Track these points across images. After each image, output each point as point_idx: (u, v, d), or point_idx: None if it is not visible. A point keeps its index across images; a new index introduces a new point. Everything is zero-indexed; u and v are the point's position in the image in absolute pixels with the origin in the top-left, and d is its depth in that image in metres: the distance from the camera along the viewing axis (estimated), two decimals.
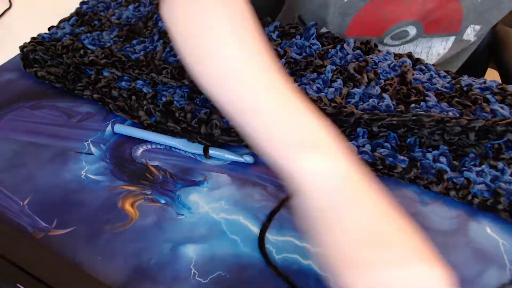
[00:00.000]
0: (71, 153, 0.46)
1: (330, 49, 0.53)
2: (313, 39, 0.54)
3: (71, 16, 0.63)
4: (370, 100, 0.46)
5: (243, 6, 0.34)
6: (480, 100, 0.45)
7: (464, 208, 0.40)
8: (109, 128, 0.48)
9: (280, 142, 0.30)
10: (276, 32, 0.57)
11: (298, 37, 0.55)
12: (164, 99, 0.48)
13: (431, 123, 0.42)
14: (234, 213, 0.40)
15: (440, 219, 0.39)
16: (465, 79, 0.50)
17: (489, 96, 0.46)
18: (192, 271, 0.36)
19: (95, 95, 0.51)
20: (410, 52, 0.54)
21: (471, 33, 0.65)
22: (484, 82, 0.49)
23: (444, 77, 0.51)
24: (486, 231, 0.38)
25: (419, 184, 0.41)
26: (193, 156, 0.45)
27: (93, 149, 0.46)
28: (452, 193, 0.40)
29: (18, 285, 0.34)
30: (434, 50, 0.66)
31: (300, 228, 0.31)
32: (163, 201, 0.41)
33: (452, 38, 0.65)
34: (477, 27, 0.64)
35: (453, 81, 0.49)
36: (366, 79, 0.49)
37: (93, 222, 0.39)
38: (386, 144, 0.44)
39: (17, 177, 0.43)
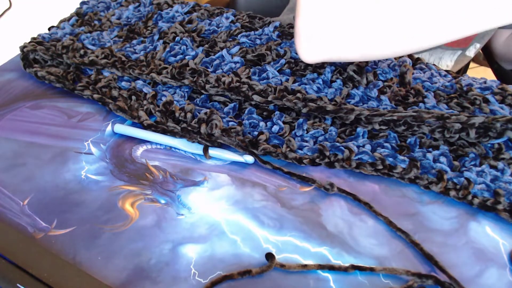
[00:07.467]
0: (71, 153, 0.46)
1: None
2: None
3: (71, 16, 0.63)
4: (370, 102, 0.46)
5: None
6: (479, 101, 0.45)
7: (464, 208, 0.40)
8: (109, 128, 0.48)
9: None
10: (276, 32, 0.57)
11: None
12: (164, 99, 0.48)
13: (431, 119, 0.42)
14: (234, 213, 0.40)
15: (440, 219, 0.39)
16: (466, 79, 0.50)
17: (489, 96, 0.46)
18: (192, 271, 0.36)
19: (95, 95, 0.51)
20: None
21: (472, 50, 0.69)
22: (485, 82, 0.49)
23: (445, 76, 0.51)
24: (486, 231, 0.38)
25: (419, 184, 0.41)
26: (193, 156, 0.45)
27: (93, 149, 0.46)
28: (452, 193, 0.40)
29: (18, 285, 0.34)
30: (443, 61, 0.68)
31: None
32: (163, 201, 0.41)
33: (458, 52, 0.68)
34: (478, 45, 0.68)
35: (454, 80, 0.49)
36: (365, 81, 0.49)
37: (93, 222, 0.39)
38: (386, 144, 0.43)
39: (17, 177, 0.43)
